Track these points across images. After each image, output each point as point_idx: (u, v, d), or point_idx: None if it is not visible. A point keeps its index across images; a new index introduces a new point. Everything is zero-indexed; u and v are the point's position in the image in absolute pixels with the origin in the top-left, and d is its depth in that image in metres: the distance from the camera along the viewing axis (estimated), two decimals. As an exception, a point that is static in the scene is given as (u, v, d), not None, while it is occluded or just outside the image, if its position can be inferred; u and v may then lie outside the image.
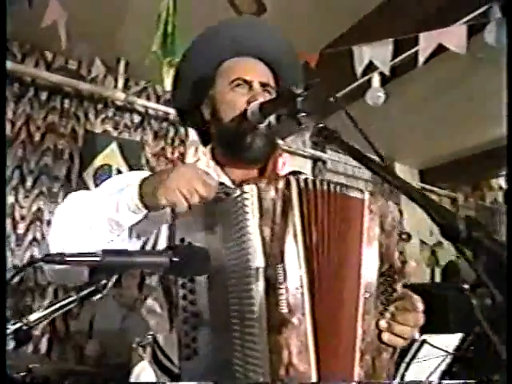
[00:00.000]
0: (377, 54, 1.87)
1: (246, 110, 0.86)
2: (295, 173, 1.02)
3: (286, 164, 1.01)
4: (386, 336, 0.66)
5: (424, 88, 2.97)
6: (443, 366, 1.54)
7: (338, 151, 4.19)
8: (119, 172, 2.69)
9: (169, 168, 0.75)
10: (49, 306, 0.49)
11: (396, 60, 2.02)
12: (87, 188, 2.56)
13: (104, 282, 0.50)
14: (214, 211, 0.70)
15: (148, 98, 2.99)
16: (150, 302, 0.88)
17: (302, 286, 0.60)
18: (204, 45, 0.98)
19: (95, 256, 0.49)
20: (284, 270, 0.59)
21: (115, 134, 2.79)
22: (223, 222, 0.67)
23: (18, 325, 0.46)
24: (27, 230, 2.39)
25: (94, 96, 2.75)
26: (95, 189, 0.92)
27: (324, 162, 4.09)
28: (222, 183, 0.88)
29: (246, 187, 0.62)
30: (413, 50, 1.92)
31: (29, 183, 2.45)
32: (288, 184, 0.62)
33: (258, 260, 0.60)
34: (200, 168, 0.76)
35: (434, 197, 4.98)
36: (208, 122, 1.00)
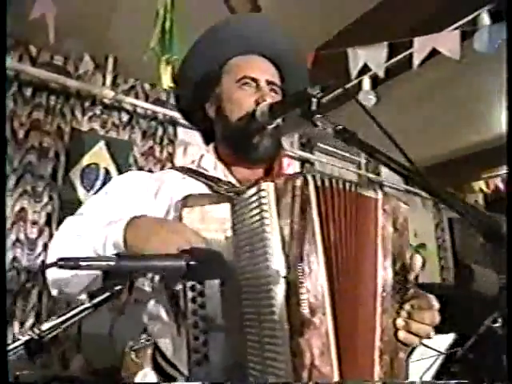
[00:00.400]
0: (372, 56, 1.88)
1: (254, 110, 0.85)
2: (300, 174, 1.01)
3: (290, 165, 1.00)
4: (402, 334, 0.66)
5: (410, 92, 3.02)
6: (436, 366, 1.56)
7: (326, 153, 4.23)
8: (107, 171, 2.63)
9: (160, 220, 0.75)
10: (61, 315, 0.46)
11: (388, 63, 2.04)
12: (73, 187, 2.50)
13: (119, 287, 0.48)
14: (225, 211, 0.68)
15: (136, 97, 2.93)
16: (152, 306, 0.85)
17: (322, 286, 0.58)
18: (210, 41, 0.96)
19: (110, 260, 0.47)
20: (304, 270, 0.57)
21: (103, 132, 2.73)
22: (236, 222, 0.65)
23: (29, 335, 0.43)
24: (10, 230, 2.31)
25: (80, 93, 2.68)
26: (91, 208, 0.91)
27: (312, 164, 4.10)
28: (229, 182, 0.86)
29: (263, 185, 0.60)
30: (406, 53, 1.94)
31: (12, 182, 2.36)
32: (306, 182, 0.61)
33: (277, 261, 0.58)
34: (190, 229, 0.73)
35: (417, 199, 5.08)
36: (212, 121, 0.98)
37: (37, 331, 0.43)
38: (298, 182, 0.61)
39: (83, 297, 0.48)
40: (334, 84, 0.64)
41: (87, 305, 0.46)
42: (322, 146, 4.10)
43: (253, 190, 0.62)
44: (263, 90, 0.90)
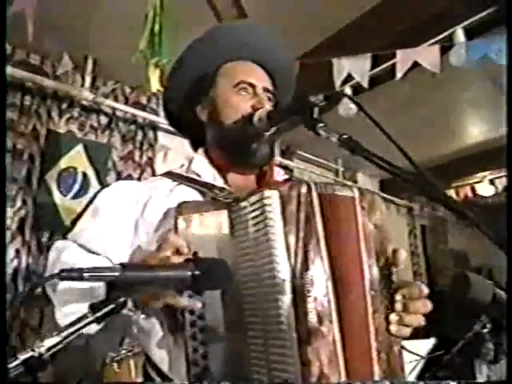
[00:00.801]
0: (356, 67, 1.92)
1: (251, 116, 0.84)
2: (289, 180, 1.01)
3: (280, 172, 1.00)
4: (394, 328, 0.65)
5: (389, 102, 3.10)
6: (416, 372, 1.58)
7: (305, 160, 4.28)
8: (85, 175, 2.55)
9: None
10: (63, 330, 0.43)
11: (371, 73, 2.08)
12: (49, 191, 2.40)
13: (123, 299, 0.46)
14: (222, 218, 0.67)
15: (116, 99, 2.87)
16: (143, 317, 0.82)
17: (328, 293, 0.58)
18: (207, 44, 0.95)
19: (114, 271, 0.45)
20: (311, 279, 0.57)
21: (80, 135, 2.65)
22: (236, 230, 0.64)
23: (29, 354, 0.40)
24: (-21, 235, 2.20)
25: (58, 94, 2.59)
26: (82, 234, 0.86)
27: (291, 171, 4.13)
28: (223, 188, 0.85)
29: (267, 192, 0.59)
30: (388, 64, 1.99)
31: (-17, 185, 2.26)
32: (309, 189, 0.61)
33: (283, 269, 0.57)
34: None
35: (392, 206, 5.20)
36: (203, 125, 0.97)
37: (37, 350, 0.41)
38: (304, 189, 0.60)
39: (85, 310, 0.46)
40: (337, 93, 0.64)
41: (90, 318, 0.44)
42: (300, 153, 4.15)
43: (255, 197, 0.61)
44: (260, 96, 0.90)
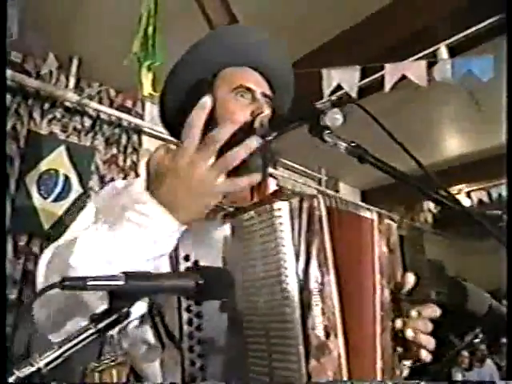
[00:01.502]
0: (345, 77, 1.94)
1: (252, 122, 0.83)
2: (279, 191, 0.99)
3: (273, 181, 0.99)
4: (409, 332, 0.66)
5: (373, 113, 3.15)
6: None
7: (288, 168, 4.30)
8: (66, 178, 2.48)
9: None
10: (63, 344, 0.40)
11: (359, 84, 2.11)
12: (28, 194, 2.32)
13: (126, 309, 0.43)
14: (225, 226, 0.65)
15: (100, 102, 2.81)
16: (133, 328, 0.78)
17: (334, 308, 0.58)
18: (206, 49, 0.93)
19: (117, 280, 0.42)
20: (321, 292, 0.56)
21: (63, 137, 2.57)
22: (242, 241, 0.62)
23: (29, 370, 0.37)
24: (-48, 238, 2.10)
25: (40, 94, 2.52)
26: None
27: (275, 178, 4.12)
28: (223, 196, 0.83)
29: (278, 204, 0.58)
30: (377, 76, 2.02)
31: (-43, 185, 2.16)
32: (318, 202, 0.60)
33: (292, 282, 0.56)
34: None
35: (365, 205, 5.29)
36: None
37: (36, 365, 0.38)
38: (314, 202, 0.60)
39: (86, 322, 0.43)
40: (347, 99, 0.63)
41: (92, 330, 0.41)
42: (283, 161, 4.16)
43: (265, 208, 0.60)
44: (259, 102, 0.88)
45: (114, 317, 0.42)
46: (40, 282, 0.69)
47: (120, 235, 0.59)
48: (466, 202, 4.92)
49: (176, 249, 0.65)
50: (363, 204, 4.83)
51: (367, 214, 0.70)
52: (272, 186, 0.99)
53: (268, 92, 0.94)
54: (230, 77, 0.92)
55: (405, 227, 5.81)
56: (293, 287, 0.55)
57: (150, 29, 1.34)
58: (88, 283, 0.40)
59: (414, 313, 0.67)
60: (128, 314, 0.43)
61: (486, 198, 4.71)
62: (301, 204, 0.59)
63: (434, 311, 0.69)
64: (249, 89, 0.90)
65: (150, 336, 0.72)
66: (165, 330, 0.70)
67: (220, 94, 0.91)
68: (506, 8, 1.76)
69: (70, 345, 0.40)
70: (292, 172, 4.33)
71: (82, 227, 0.76)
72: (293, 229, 0.57)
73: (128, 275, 0.43)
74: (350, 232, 0.66)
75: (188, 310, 0.63)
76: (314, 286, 0.56)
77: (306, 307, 0.55)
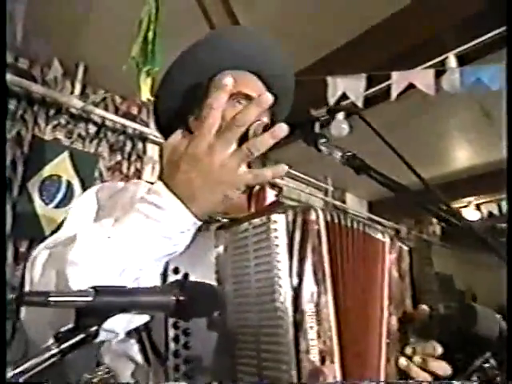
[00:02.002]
0: (350, 86, 1.91)
1: (247, 129, 0.79)
2: (277, 202, 0.95)
3: (273, 192, 0.95)
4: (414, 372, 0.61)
5: (379, 123, 3.11)
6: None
7: (294, 178, 4.25)
8: (69, 184, 2.47)
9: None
10: (24, 362, 0.36)
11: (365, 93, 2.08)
12: (30, 199, 2.31)
13: (94, 328, 0.39)
14: (219, 239, 0.61)
15: (106, 109, 2.81)
16: (117, 343, 0.74)
17: (331, 330, 0.53)
18: (201, 51, 0.90)
19: (86, 295, 0.39)
20: (317, 313, 0.51)
21: (67, 143, 2.57)
22: (235, 254, 0.58)
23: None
24: (-48, 243, 2.09)
25: (45, 100, 2.53)
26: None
27: (280, 189, 4.10)
28: None
29: (274, 216, 0.54)
30: (383, 85, 1.99)
31: (-40, 190, 2.16)
32: (316, 215, 0.56)
33: (286, 301, 0.52)
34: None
35: (379, 227, 5.20)
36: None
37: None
38: (312, 216, 0.55)
39: (50, 341, 0.39)
40: (341, 106, 0.60)
41: (54, 351, 0.37)
42: (290, 171, 4.13)
43: (260, 221, 0.55)
44: None
45: (80, 336, 0.39)
46: (36, 282, 0.61)
47: (127, 229, 0.53)
48: (475, 215, 4.83)
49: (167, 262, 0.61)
50: (378, 226, 4.73)
51: (379, 236, 0.67)
52: (270, 197, 0.95)
53: None
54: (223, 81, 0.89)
55: (412, 239, 5.74)
56: (286, 306, 0.51)
57: (150, 34, 1.33)
58: (50, 299, 0.37)
59: (408, 350, 0.63)
60: (97, 334, 0.40)
61: (495, 211, 4.61)
62: (297, 217, 0.55)
63: (436, 350, 0.64)
64: (246, 95, 0.87)
65: (134, 352, 0.68)
66: (151, 346, 0.66)
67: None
68: (506, 21, 1.72)
69: (29, 364, 0.37)
70: (298, 182, 4.29)
71: (82, 223, 0.71)
72: (289, 243, 0.53)
73: (98, 290, 0.40)
74: (357, 251, 0.61)
75: (175, 326, 0.59)
76: (309, 306, 0.52)
77: (299, 329, 0.50)
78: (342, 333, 0.54)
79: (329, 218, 0.58)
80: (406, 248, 0.70)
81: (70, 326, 0.39)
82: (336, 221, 0.59)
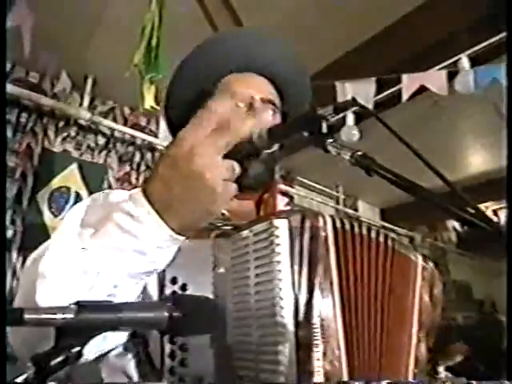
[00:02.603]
0: (360, 90, 1.87)
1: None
2: (291, 210, 0.91)
3: (284, 199, 0.90)
4: None
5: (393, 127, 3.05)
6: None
7: (305, 186, 4.20)
8: (78, 196, 2.46)
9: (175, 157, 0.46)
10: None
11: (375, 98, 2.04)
12: (39, 211, 2.31)
13: (77, 349, 0.35)
14: (219, 247, 0.57)
15: (115, 120, 2.82)
16: (114, 356, 0.70)
17: (339, 349, 0.48)
18: (205, 56, 0.87)
19: (67, 312, 0.35)
20: (322, 329, 0.46)
21: (76, 154, 2.58)
22: (236, 264, 0.54)
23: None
24: (-37, 256, 2.09)
25: (55, 112, 2.54)
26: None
27: (291, 197, 4.03)
28: (222, 213, 0.75)
29: (276, 221, 0.50)
30: (394, 89, 1.94)
31: (-30, 203, 2.16)
32: (324, 221, 0.51)
33: (287, 314, 0.47)
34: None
35: (393, 235, 5.09)
36: None
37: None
38: (319, 222, 0.51)
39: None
40: (348, 103, 0.57)
41: (31, 375, 0.33)
42: (300, 179, 4.08)
43: (261, 227, 0.51)
44: (257, 109, 0.81)
45: (60, 358, 0.35)
46: (17, 294, 0.57)
47: (101, 240, 0.48)
48: (492, 221, 4.70)
49: (163, 269, 0.55)
50: (411, 247, 4.66)
51: (411, 255, 0.62)
52: (281, 204, 0.90)
53: (272, 97, 0.86)
54: (228, 85, 0.86)
55: (428, 247, 5.60)
56: (288, 321, 0.46)
57: (154, 41, 1.31)
58: (25, 316, 0.33)
59: None
60: (80, 355, 0.36)
61: (514, 217, 4.47)
62: (302, 223, 0.50)
63: None
64: (246, 96, 0.83)
65: (131, 368, 0.64)
66: (148, 361, 0.62)
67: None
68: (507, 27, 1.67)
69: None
70: (309, 190, 4.23)
71: (66, 231, 0.63)
72: (291, 251, 0.49)
73: (81, 306, 0.36)
74: (383, 267, 0.56)
75: (172, 341, 0.55)
76: (314, 321, 0.47)
77: (303, 347, 0.45)
78: (352, 353, 0.49)
79: (338, 224, 0.53)
80: (436, 271, 0.66)
81: (49, 346, 0.35)
82: (347, 228, 0.54)
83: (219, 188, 0.46)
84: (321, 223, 0.51)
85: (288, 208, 0.91)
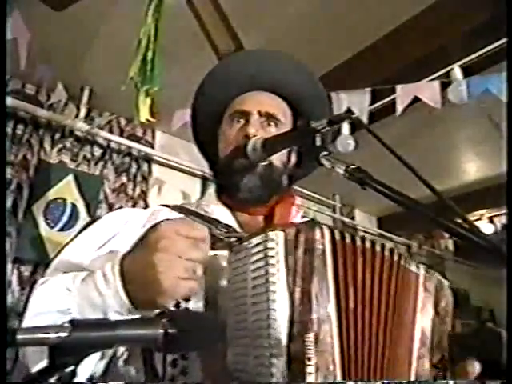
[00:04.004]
0: (355, 101, 1.88)
1: (245, 145, 0.76)
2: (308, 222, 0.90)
3: (299, 212, 0.89)
4: None
5: (387, 139, 3.07)
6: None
7: (301, 195, 4.21)
8: (74, 207, 2.45)
9: (148, 241, 0.54)
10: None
11: (370, 108, 2.05)
12: (35, 223, 2.30)
13: (71, 368, 0.35)
14: (221, 260, 0.57)
15: (111, 131, 2.82)
16: (123, 364, 0.69)
17: (334, 364, 0.47)
18: (218, 82, 0.90)
19: (61, 331, 0.35)
20: (316, 342, 0.46)
21: (72, 166, 2.57)
22: (235, 274, 0.54)
23: None
24: (-43, 269, 2.06)
25: (51, 124, 2.54)
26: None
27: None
28: (229, 226, 0.75)
29: (271, 234, 0.50)
30: (388, 99, 1.96)
31: (-35, 215, 2.15)
32: (322, 234, 0.51)
33: (281, 327, 0.47)
34: (182, 221, 0.59)
35: (390, 243, 5.10)
36: None
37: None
38: (315, 234, 0.50)
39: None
40: (342, 116, 0.57)
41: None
42: (297, 188, 4.08)
43: (258, 239, 0.51)
44: (254, 122, 0.82)
45: (54, 377, 0.34)
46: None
47: (79, 292, 0.55)
48: (489, 228, 4.70)
49: None
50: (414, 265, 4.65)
51: (412, 267, 0.60)
52: (296, 216, 0.88)
53: (272, 111, 0.86)
54: (231, 105, 0.88)
55: (425, 255, 5.60)
56: (280, 335, 0.46)
57: (150, 54, 1.32)
58: (18, 336, 0.32)
59: None
60: (74, 374, 0.35)
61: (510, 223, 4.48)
62: (297, 235, 0.50)
63: None
64: (243, 112, 0.85)
65: (132, 373, 0.64)
66: (151, 369, 0.62)
67: (223, 124, 0.88)
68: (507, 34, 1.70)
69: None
70: (305, 199, 4.24)
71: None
72: (287, 264, 0.49)
73: (75, 324, 0.36)
74: (381, 280, 0.55)
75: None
76: (307, 335, 0.46)
77: (295, 360, 0.45)
78: (348, 368, 0.48)
79: (337, 236, 0.52)
80: (446, 283, 0.63)
81: (43, 365, 0.35)
82: (348, 240, 0.53)
83: (166, 283, 0.50)
84: (318, 236, 0.50)
85: (304, 220, 0.90)
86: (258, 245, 0.51)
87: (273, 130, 0.83)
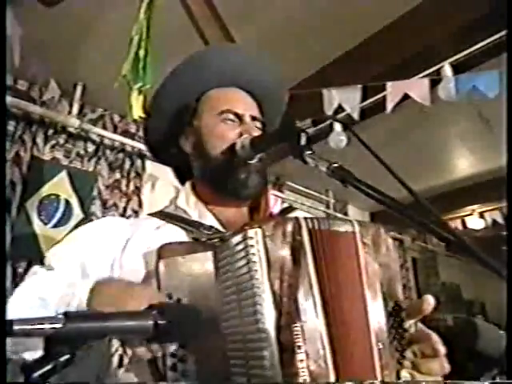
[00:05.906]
0: (346, 98, 1.91)
1: (234, 144, 0.78)
2: (287, 210, 0.93)
3: (277, 200, 0.93)
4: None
5: (379, 135, 3.11)
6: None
7: (295, 191, 4.23)
8: (67, 203, 2.46)
9: (126, 285, 0.63)
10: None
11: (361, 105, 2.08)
12: (29, 219, 2.30)
13: (66, 356, 0.37)
14: (207, 260, 0.59)
15: (104, 127, 2.82)
16: (122, 371, 0.71)
17: (324, 348, 0.49)
18: (188, 71, 0.89)
19: (55, 322, 0.37)
20: (302, 331, 0.48)
21: (66, 162, 2.58)
22: (221, 274, 0.56)
23: None
24: (-50, 266, 2.07)
25: (44, 120, 2.54)
26: (59, 260, 0.77)
27: (282, 202, 4.07)
28: (211, 227, 0.77)
29: (250, 232, 0.52)
30: (379, 96, 1.98)
31: (-42, 212, 2.15)
32: (299, 227, 0.53)
33: (268, 320, 0.49)
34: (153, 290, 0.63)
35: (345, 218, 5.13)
36: (188, 156, 0.90)
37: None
38: (289, 227, 0.52)
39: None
40: (327, 117, 0.59)
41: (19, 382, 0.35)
42: (290, 184, 4.10)
43: (238, 238, 0.53)
44: (248, 125, 0.84)
45: (49, 366, 0.36)
46: None
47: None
48: (479, 223, 4.76)
49: (158, 287, 0.61)
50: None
51: (347, 227, 0.58)
52: (278, 206, 0.92)
53: (258, 115, 0.89)
54: (215, 100, 0.88)
55: (417, 250, 5.66)
56: (269, 327, 0.48)
57: (142, 51, 1.33)
58: (15, 327, 0.34)
59: (408, 354, 0.56)
60: (69, 362, 0.37)
61: (500, 219, 4.55)
62: (275, 230, 0.52)
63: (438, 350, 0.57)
64: (236, 114, 0.86)
65: (134, 379, 0.66)
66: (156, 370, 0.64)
67: (205, 119, 0.88)
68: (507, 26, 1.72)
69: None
70: (299, 195, 4.26)
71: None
72: (268, 259, 0.51)
73: (68, 316, 0.38)
74: (331, 252, 0.55)
75: (173, 355, 0.56)
76: (295, 324, 0.48)
77: (285, 350, 0.47)
78: (339, 352, 0.50)
79: (311, 225, 0.54)
80: (382, 231, 0.61)
81: (39, 354, 0.37)
82: (323, 227, 0.54)
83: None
84: (289, 228, 0.52)
85: (282, 208, 0.93)
86: (238, 243, 0.53)
87: (257, 132, 0.86)
